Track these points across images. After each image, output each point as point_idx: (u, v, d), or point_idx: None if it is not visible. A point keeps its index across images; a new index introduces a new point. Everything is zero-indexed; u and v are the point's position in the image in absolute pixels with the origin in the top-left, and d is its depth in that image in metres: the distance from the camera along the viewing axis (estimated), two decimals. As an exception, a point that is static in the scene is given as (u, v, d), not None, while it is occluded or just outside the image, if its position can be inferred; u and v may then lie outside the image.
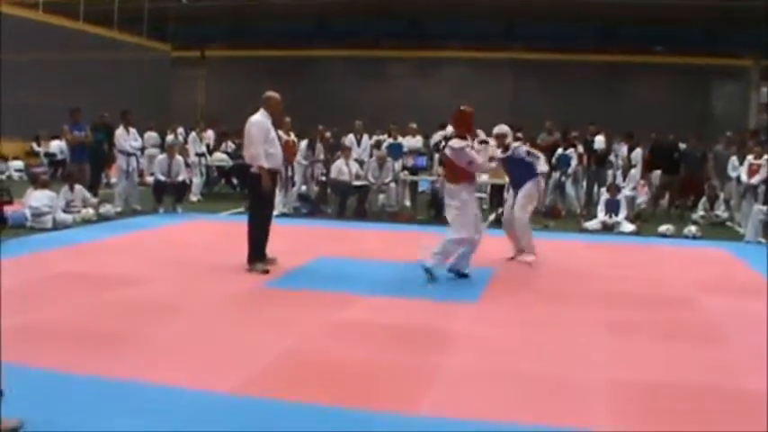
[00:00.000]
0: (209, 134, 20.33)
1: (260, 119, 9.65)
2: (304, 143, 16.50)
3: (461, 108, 9.89)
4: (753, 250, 12.64)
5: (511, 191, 11.44)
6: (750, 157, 15.57)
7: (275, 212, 15.08)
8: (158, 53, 32.39)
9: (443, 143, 10.14)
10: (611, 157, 18.21)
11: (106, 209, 14.45)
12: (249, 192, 10.14)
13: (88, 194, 14.49)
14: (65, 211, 13.37)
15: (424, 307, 8.03)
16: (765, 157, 15.40)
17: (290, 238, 12.81)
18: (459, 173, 9.45)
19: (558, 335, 7.07)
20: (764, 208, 13.73)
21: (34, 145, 24.55)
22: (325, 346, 6.48)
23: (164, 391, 5.21)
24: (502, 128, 11.06)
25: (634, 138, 18.74)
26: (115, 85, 26.42)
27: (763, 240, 13.27)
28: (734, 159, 15.97)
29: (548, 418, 4.99)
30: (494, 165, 10.21)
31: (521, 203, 10.83)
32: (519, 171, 10.95)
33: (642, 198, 17.92)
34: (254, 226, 9.70)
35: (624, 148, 18.31)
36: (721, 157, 17.16)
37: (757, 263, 11.26)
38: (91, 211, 14.01)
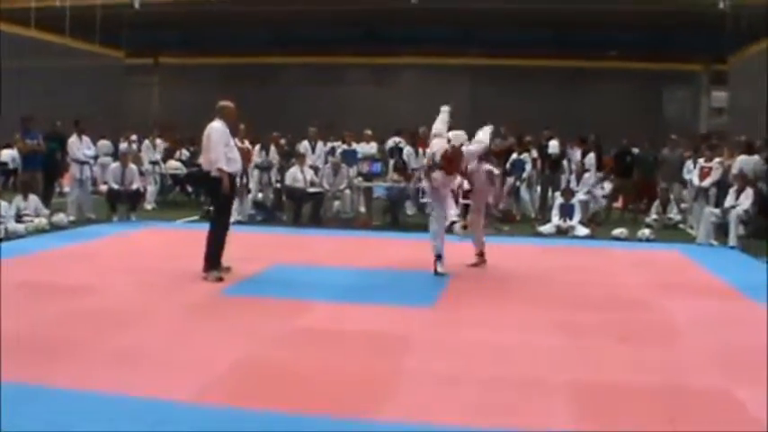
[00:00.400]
0: (159, 143, 20.01)
1: (219, 125, 9.62)
2: (257, 147, 16.39)
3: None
4: (705, 252, 12.82)
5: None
6: (701, 161, 15.79)
7: (230, 220, 15.13)
8: (111, 60, 32.01)
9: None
10: (565, 162, 18.34)
11: (59, 218, 14.27)
12: (211, 198, 10.06)
13: (41, 204, 14.31)
14: (17, 221, 13.18)
15: (381, 313, 8.03)
16: (716, 160, 15.63)
17: (246, 245, 12.74)
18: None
19: (515, 338, 7.10)
20: (716, 210, 13.93)
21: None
22: (283, 354, 6.46)
23: (121, 401, 5.16)
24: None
25: (587, 142, 18.91)
26: (68, 92, 26.09)
27: (714, 242, 13.45)
28: (689, 163, 16.16)
29: (509, 420, 5.02)
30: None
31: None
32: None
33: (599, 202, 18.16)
34: (215, 233, 9.64)
35: (578, 153, 18.46)
36: (669, 160, 17.38)
37: (710, 264, 11.44)
38: (44, 220, 13.83)
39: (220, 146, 9.49)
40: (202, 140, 9.78)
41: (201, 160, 9.93)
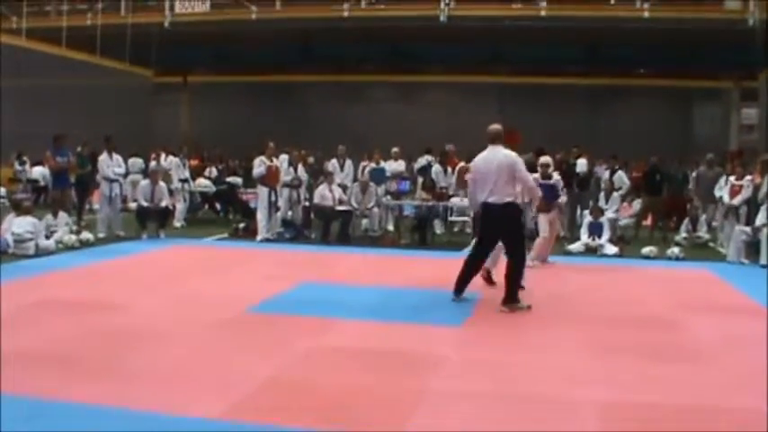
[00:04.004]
0: (170, 159, 19.68)
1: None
2: (285, 162, 16.40)
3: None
4: (735, 270, 12.69)
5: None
6: (732, 178, 15.63)
7: (258, 238, 15.21)
8: (141, 78, 32.33)
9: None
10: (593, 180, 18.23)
11: (85, 235, 14.31)
12: (512, 231, 9.44)
13: (70, 221, 14.43)
14: (47, 238, 13.29)
15: (408, 331, 8.01)
16: (747, 177, 15.47)
17: (274, 263, 12.83)
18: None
19: (543, 357, 7.06)
20: (746, 228, 13.79)
21: (17, 164, 24.04)
22: (311, 371, 6.46)
23: (151, 418, 5.18)
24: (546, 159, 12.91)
25: (617, 160, 18.81)
26: (98, 110, 26.35)
27: (745, 261, 13.31)
28: (722, 180, 15.99)
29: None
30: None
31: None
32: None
33: (626, 220, 18.03)
34: (518, 264, 9.35)
35: (606, 172, 18.35)
36: (704, 178, 17.19)
37: (740, 283, 11.31)
38: (73, 237, 13.93)
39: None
40: (499, 169, 9.15)
41: (490, 194, 9.21)
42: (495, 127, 9.50)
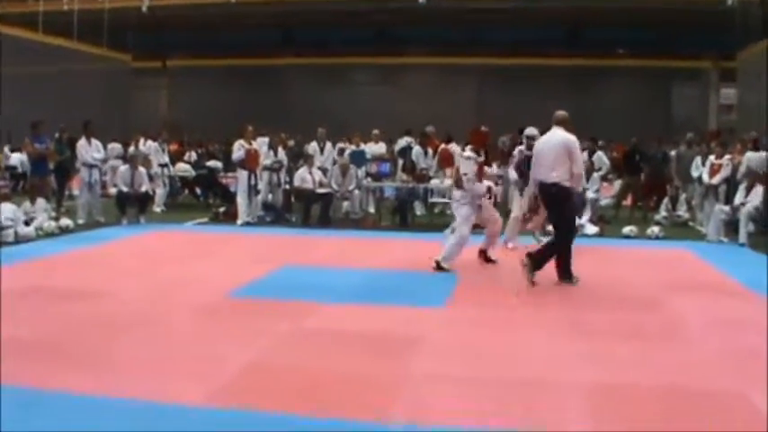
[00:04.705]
0: (149, 144, 19.54)
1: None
2: (265, 145, 16.33)
3: (478, 128, 11.11)
4: (715, 249, 12.78)
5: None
6: (711, 158, 15.73)
7: (239, 222, 15.18)
8: (119, 63, 32.11)
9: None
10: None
11: (65, 222, 14.24)
12: (561, 211, 9.72)
13: (49, 208, 14.35)
14: (26, 224, 13.20)
15: (391, 313, 8.02)
16: (726, 157, 15.57)
17: (255, 246, 12.81)
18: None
19: (525, 337, 7.10)
20: (726, 207, 13.88)
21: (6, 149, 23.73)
22: (293, 355, 6.46)
23: (133, 404, 5.16)
24: (531, 130, 12.26)
25: (597, 141, 18.84)
26: (76, 96, 26.15)
27: (724, 239, 13.40)
28: (698, 160, 16.07)
29: (520, 421, 5.00)
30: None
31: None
32: None
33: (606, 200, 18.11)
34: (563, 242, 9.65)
35: (586, 152, 18.37)
36: (684, 157, 17.26)
37: (720, 262, 11.39)
38: (53, 224, 13.85)
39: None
40: (553, 152, 9.45)
41: (546, 174, 9.51)
42: (561, 112, 9.77)
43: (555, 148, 9.43)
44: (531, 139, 11.99)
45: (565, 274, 9.49)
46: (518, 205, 12.70)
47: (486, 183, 11.08)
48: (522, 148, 12.63)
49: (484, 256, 11.08)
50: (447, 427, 4.90)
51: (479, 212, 10.76)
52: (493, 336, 7.17)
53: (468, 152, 10.62)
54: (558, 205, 9.57)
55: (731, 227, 13.47)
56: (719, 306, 8.56)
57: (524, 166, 11.71)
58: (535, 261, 9.42)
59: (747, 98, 26.29)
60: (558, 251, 9.54)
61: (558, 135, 9.52)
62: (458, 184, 10.55)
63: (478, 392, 5.54)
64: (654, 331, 7.42)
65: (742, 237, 13.08)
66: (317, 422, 4.92)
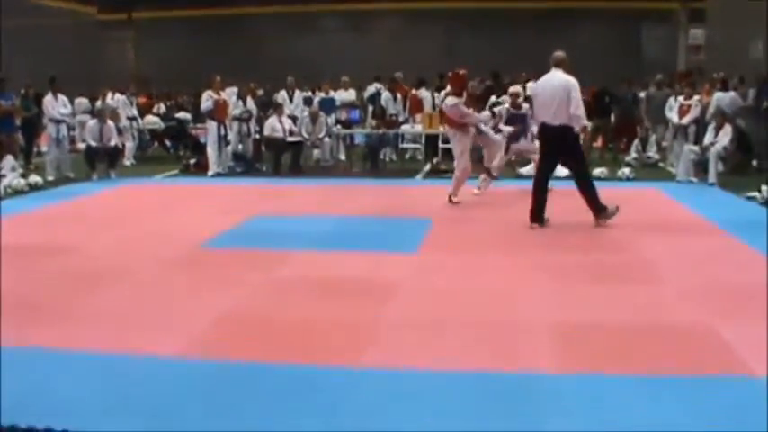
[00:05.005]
0: (117, 97, 19.29)
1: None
2: (234, 95, 16.21)
3: (458, 72, 11.44)
4: (685, 189, 12.88)
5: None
6: (681, 98, 15.78)
7: (210, 173, 15.12)
8: (84, 16, 31.60)
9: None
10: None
11: (35, 179, 14.10)
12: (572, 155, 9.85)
13: (17, 165, 14.21)
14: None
15: (363, 260, 8.05)
16: (696, 97, 15.63)
17: (226, 196, 12.79)
18: (453, 123, 11.35)
19: (497, 281, 7.15)
20: (695, 147, 13.97)
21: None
22: (267, 304, 6.49)
23: (108, 358, 5.16)
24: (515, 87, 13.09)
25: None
26: (41, 51, 25.77)
27: (694, 179, 13.50)
28: (671, 101, 16.10)
29: (492, 363, 5.05)
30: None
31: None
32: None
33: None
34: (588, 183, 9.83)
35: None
36: (654, 99, 17.29)
37: (690, 201, 11.49)
38: (22, 181, 13.71)
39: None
40: (555, 94, 9.40)
41: (548, 116, 9.51)
42: (559, 53, 9.76)
43: (556, 91, 9.40)
44: (517, 96, 12.84)
45: (602, 208, 9.54)
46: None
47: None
48: (507, 106, 12.71)
49: (487, 171, 12.12)
50: (419, 370, 4.94)
51: (487, 145, 11.81)
52: (464, 280, 7.21)
53: (452, 99, 11.09)
54: (569, 147, 9.62)
55: (701, 167, 13.57)
56: (690, 244, 8.65)
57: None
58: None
59: (717, 38, 26.28)
60: (590, 187, 9.64)
61: (557, 77, 9.50)
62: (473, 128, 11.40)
63: (449, 336, 5.58)
64: (624, 271, 7.50)
65: (711, 176, 13.17)
66: (291, 370, 4.94)
